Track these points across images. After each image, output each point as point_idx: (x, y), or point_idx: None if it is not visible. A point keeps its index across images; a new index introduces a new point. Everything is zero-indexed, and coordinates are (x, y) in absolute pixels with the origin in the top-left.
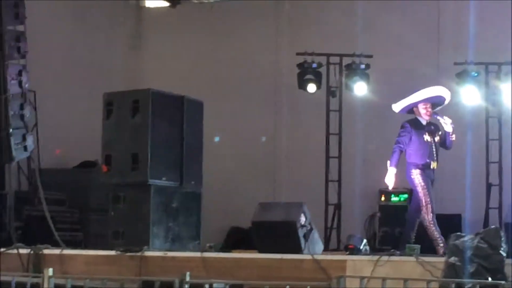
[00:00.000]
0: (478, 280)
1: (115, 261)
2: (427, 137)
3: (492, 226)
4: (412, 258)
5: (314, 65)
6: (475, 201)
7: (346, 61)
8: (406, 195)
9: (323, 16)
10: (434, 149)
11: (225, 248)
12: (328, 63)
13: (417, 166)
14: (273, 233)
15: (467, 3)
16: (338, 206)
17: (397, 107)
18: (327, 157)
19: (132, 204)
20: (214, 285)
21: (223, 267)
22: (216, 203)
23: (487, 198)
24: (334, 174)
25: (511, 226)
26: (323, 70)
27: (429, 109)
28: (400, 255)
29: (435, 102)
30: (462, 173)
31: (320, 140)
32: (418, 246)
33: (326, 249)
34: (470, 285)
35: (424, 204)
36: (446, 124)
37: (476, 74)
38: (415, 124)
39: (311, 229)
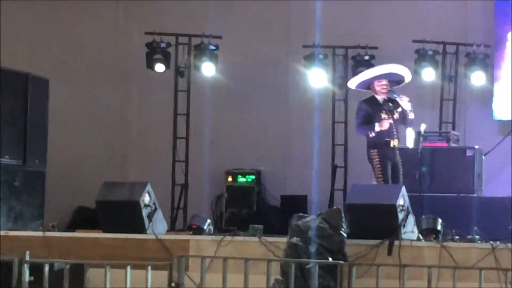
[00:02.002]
0: (319, 260)
1: None
2: (384, 115)
3: (334, 207)
4: (256, 239)
5: (163, 45)
6: (321, 183)
7: (195, 41)
8: (253, 176)
9: None
10: (393, 127)
11: (71, 227)
12: (177, 43)
13: (375, 146)
14: (117, 212)
15: None
16: (185, 186)
17: (352, 83)
18: (175, 137)
19: None
20: (55, 264)
21: (65, 246)
22: (63, 182)
23: (332, 180)
24: (181, 154)
25: (354, 206)
26: (172, 50)
27: (384, 86)
28: (244, 235)
29: (392, 80)
30: (309, 155)
31: (168, 120)
32: (261, 227)
33: (173, 229)
34: (311, 265)
35: None
36: (403, 102)
37: (323, 57)
38: (371, 102)
39: (155, 209)
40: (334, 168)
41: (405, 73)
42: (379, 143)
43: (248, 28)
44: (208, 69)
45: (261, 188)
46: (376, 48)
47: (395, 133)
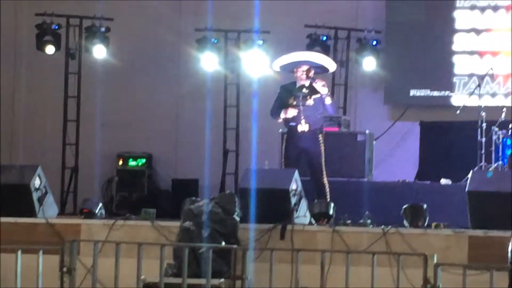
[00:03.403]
0: (212, 244)
1: None
2: (292, 101)
3: (227, 191)
4: (148, 223)
5: (54, 27)
6: (212, 167)
7: (86, 23)
8: (144, 160)
9: None
10: (302, 113)
11: None
12: (68, 25)
13: (285, 130)
14: (7, 196)
15: None
16: (75, 170)
17: (275, 65)
18: (65, 120)
19: None
20: None
21: None
22: None
23: (223, 164)
24: (72, 137)
25: (247, 191)
26: (62, 31)
27: (304, 72)
28: (135, 219)
29: (317, 66)
30: (200, 139)
31: (59, 102)
32: (153, 211)
33: (63, 213)
34: (204, 249)
35: None
36: (318, 86)
37: (215, 41)
38: (288, 87)
39: (46, 193)
40: (226, 152)
41: (328, 62)
42: (287, 128)
43: (140, 11)
44: (99, 51)
45: (152, 171)
46: (268, 32)
47: (302, 118)
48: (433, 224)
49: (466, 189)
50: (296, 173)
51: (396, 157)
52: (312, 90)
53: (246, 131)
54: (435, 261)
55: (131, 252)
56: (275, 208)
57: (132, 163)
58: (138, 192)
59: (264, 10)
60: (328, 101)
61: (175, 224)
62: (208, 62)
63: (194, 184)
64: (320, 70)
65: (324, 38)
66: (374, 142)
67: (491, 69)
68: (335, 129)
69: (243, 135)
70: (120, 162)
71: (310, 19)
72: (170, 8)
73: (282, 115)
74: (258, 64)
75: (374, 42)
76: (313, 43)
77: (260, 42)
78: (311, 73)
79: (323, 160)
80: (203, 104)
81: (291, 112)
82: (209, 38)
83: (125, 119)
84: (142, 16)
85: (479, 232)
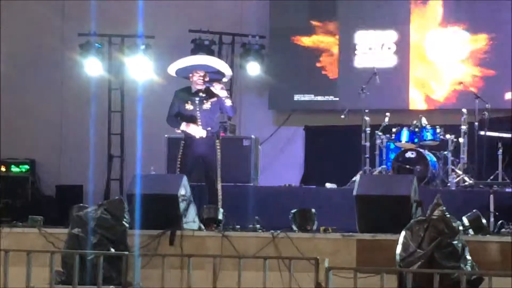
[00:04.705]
0: (101, 251)
1: None
2: (189, 106)
3: (116, 197)
4: (35, 230)
5: None
6: (97, 172)
7: None
8: (27, 166)
9: None
10: (199, 118)
11: None
12: None
13: (183, 137)
14: None
15: None
16: None
17: (171, 69)
18: None
19: None
20: None
21: None
22: None
23: (108, 169)
24: None
25: (134, 197)
26: None
27: (201, 77)
28: (22, 226)
29: (212, 72)
30: (85, 144)
31: None
32: (40, 218)
33: None
34: (92, 256)
35: None
36: (216, 89)
37: (99, 46)
38: (183, 92)
39: None
40: (110, 157)
41: (224, 68)
42: (185, 134)
43: (23, 15)
44: None
45: (35, 178)
46: (153, 37)
47: (200, 123)
48: (322, 228)
49: (354, 193)
50: (185, 179)
51: (281, 162)
52: (210, 94)
53: (130, 136)
54: (326, 265)
55: (18, 260)
56: (163, 213)
57: (15, 169)
58: (22, 199)
59: (148, 15)
60: (228, 102)
61: (62, 231)
62: (92, 67)
63: (79, 190)
64: (216, 76)
65: (208, 43)
66: (260, 147)
67: (375, 73)
68: (221, 134)
69: (127, 140)
70: (3, 169)
71: (194, 24)
72: (53, 12)
73: (183, 128)
74: (142, 69)
75: (258, 47)
76: (198, 48)
77: (144, 47)
78: (207, 78)
79: (219, 166)
80: (87, 109)
81: (193, 129)
82: (93, 43)
83: (7, 124)
84: (25, 21)
85: (367, 236)
